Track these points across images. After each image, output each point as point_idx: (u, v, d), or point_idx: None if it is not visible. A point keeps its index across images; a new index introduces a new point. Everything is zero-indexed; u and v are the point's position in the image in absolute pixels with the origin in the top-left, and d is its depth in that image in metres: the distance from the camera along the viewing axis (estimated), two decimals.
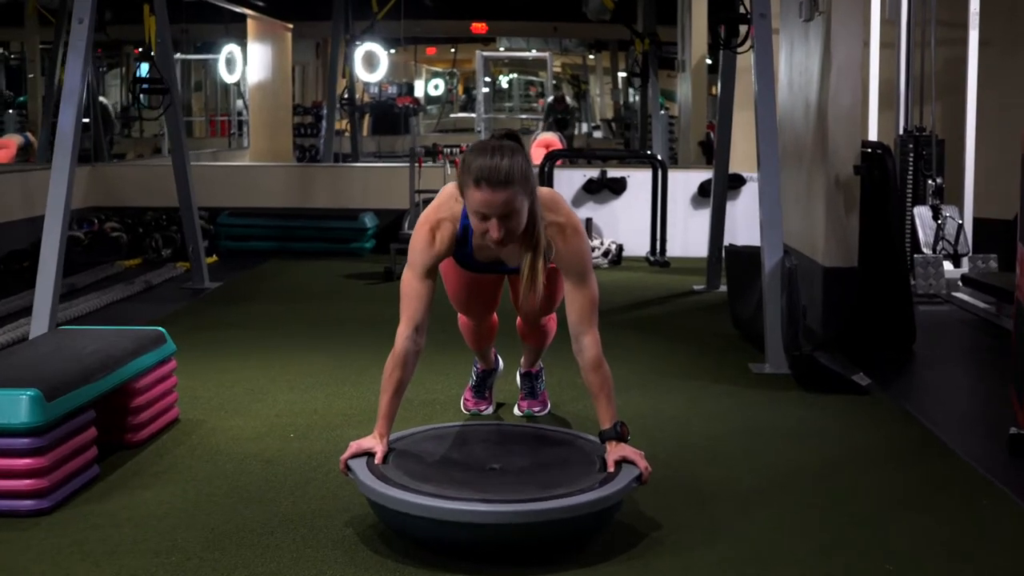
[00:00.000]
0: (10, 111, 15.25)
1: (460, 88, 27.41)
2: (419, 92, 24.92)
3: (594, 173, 9.16)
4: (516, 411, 4.38)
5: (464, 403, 4.42)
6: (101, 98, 12.55)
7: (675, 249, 8.85)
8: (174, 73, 7.24)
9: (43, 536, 3.17)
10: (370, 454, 3.19)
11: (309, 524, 3.23)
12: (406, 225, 8.37)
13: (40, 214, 5.79)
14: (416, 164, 8.55)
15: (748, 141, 6.80)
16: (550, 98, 18.68)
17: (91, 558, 3.02)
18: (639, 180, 8.99)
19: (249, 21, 13.29)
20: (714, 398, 4.71)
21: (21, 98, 15.56)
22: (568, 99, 21.18)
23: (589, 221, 8.89)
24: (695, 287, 7.51)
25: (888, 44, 7.58)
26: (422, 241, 3.27)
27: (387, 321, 5.84)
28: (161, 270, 8.01)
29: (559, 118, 17.70)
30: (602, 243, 8.70)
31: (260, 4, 13.26)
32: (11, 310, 6.43)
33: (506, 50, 22.12)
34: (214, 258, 8.78)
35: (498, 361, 4.47)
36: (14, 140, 12.11)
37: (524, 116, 21.17)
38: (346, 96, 12.44)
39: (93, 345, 3.94)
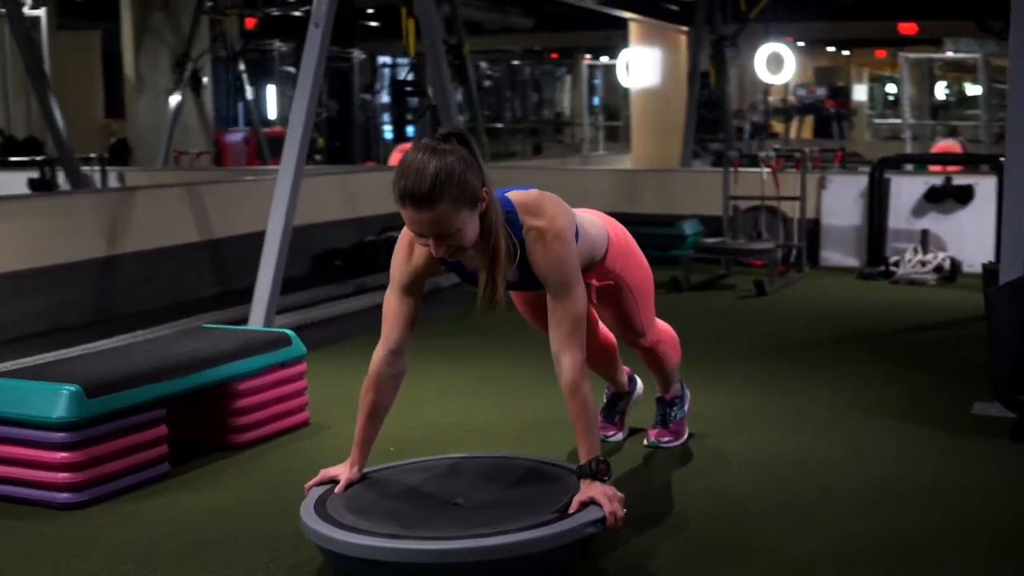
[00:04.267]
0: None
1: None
2: (861, 96, 23.83)
3: (937, 181, 8.23)
4: (644, 440, 3.96)
5: None
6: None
7: None
8: (445, 78, 7.25)
9: (64, 529, 3.24)
10: (334, 482, 2.97)
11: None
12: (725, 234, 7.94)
13: (362, 215, 6.09)
14: (732, 169, 8.08)
15: None
16: None
17: (97, 557, 3.03)
18: (988, 188, 7.96)
19: (632, 26, 13.20)
20: (897, 440, 4.01)
21: None
22: None
23: (925, 233, 7.98)
24: None
25: None
26: (399, 256, 2.98)
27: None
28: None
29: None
30: (934, 257, 7.79)
31: (671, 8, 13.08)
32: (309, 300, 6.68)
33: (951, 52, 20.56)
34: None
35: (634, 383, 4.07)
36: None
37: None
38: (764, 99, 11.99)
39: (201, 345, 3.99)
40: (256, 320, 5.41)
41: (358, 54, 17.38)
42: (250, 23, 15.15)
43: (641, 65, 13.48)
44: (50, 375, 3.51)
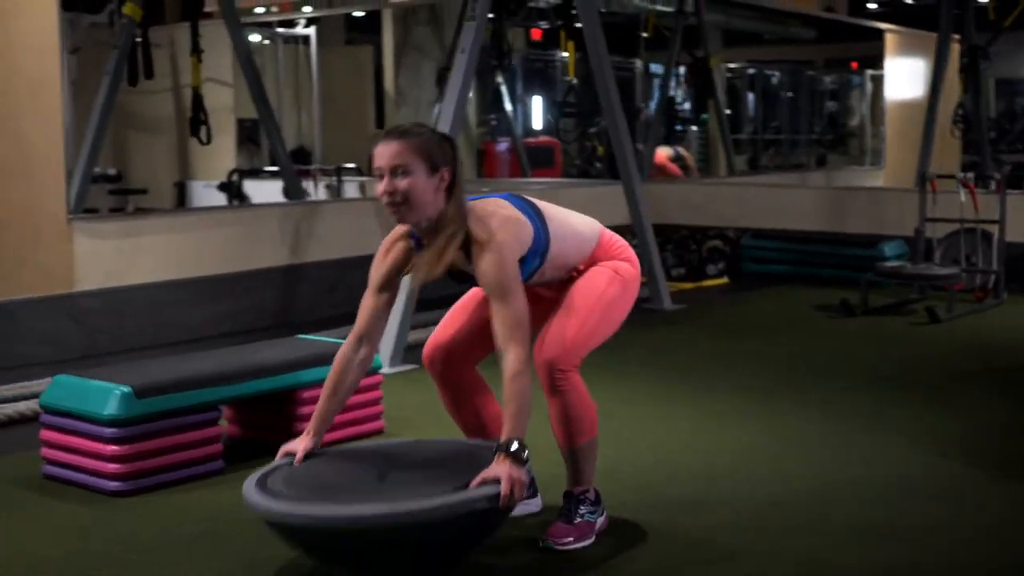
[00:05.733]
0: (693, 127, 16.19)
1: None
2: None
3: None
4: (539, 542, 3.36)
5: None
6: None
7: None
8: (613, 95, 7.35)
9: (111, 514, 3.67)
10: (292, 455, 3.24)
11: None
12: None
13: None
14: (929, 189, 7.77)
15: None
16: None
17: (132, 541, 3.43)
18: None
19: (887, 36, 12.79)
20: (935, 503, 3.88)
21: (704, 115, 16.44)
22: None
23: None
24: None
25: None
26: (377, 259, 3.30)
27: (774, 369, 5.76)
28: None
29: None
30: None
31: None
32: None
33: None
34: (723, 279, 8.75)
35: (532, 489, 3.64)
36: (664, 152, 12.96)
37: None
38: None
39: (274, 354, 4.35)
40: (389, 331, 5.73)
41: (640, 64, 17.57)
42: (536, 34, 15.66)
43: (898, 76, 13.04)
44: (111, 376, 3.94)
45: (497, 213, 3.18)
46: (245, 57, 7.92)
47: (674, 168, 13.01)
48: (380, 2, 12.29)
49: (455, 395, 3.50)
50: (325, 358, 4.33)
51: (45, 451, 3.98)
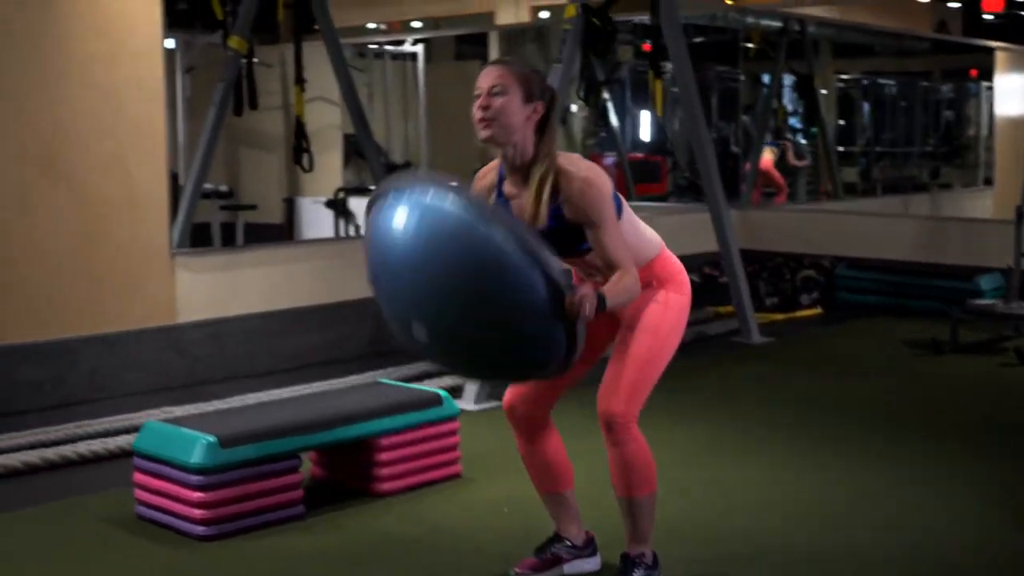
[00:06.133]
0: (802, 140, 16.03)
1: None
2: None
3: None
4: None
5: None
6: None
7: None
8: (700, 121, 7.43)
9: (195, 556, 3.90)
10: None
11: None
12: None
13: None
14: None
15: None
16: None
17: None
18: None
19: (998, 54, 12.57)
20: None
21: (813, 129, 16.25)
22: None
23: None
24: None
25: None
26: (474, 183, 3.46)
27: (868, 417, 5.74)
28: (730, 320, 8.11)
29: None
30: None
31: None
32: None
33: None
34: (816, 310, 8.74)
35: (592, 550, 3.72)
36: (768, 157, 12.98)
37: None
38: None
39: (354, 401, 4.55)
40: None
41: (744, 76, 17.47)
42: (648, 46, 15.71)
43: (1010, 94, 12.82)
44: (198, 425, 4.18)
45: (585, 160, 3.30)
46: (344, 77, 8.16)
47: (778, 177, 13.01)
48: (487, 25, 12.47)
49: (531, 441, 3.57)
50: (401, 407, 4.54)
51: (138, 492, 4.23)
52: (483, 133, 3.24)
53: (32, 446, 5.02)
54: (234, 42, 7.71)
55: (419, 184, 3.11)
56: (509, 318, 3.07)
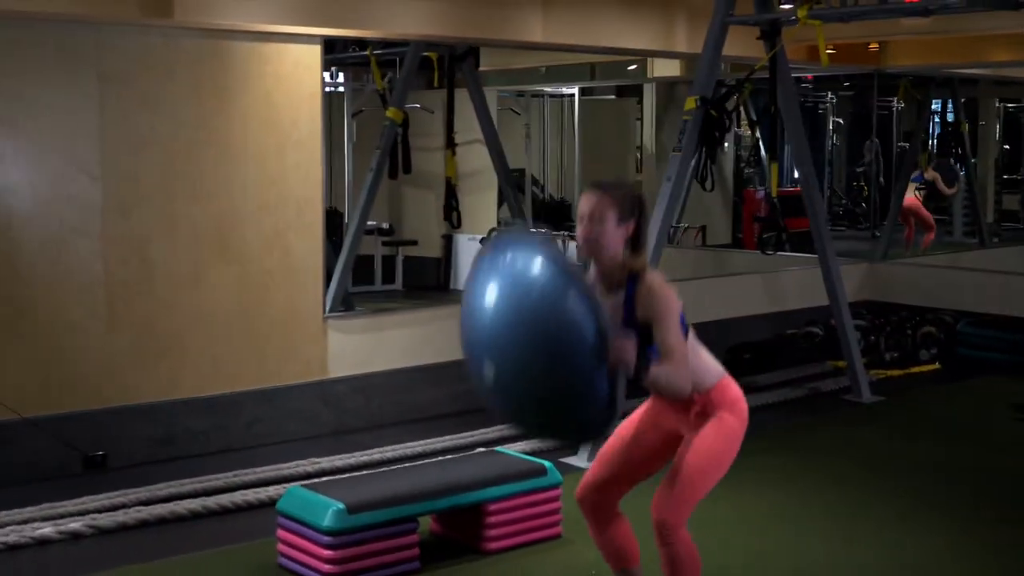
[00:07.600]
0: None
1: None
2: None
3: None
4: None
5: None
6: None
7: None
8: (808, 168, 7.99)
9: None
10: None
11: None
12: None
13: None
14: None
15: None
16: None
17: None
18: None
19: None
20: None
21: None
22: None
23: None
24: None
25: None
26: None
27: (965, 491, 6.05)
28: (843, 377, 8.29)
29: None
30: None
31: None
32: None
33: None
34: (935, 365, 9.00)
35: None
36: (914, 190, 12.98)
37: None
38: None
39: (468, 471, 5.23)
40: None
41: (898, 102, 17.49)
42: (807, 76, 16.01)
43: None
44: (331, 491, 4.92)
45: (664, 282, 3.79)
46: (488, 129, 8.97)
47: (927, 215, 12.99)
48: (641, 78, 13.04)
49: (600, 526, 4.09)
50: (509, 477, 5.20)
51: (280, 546, 5.00)
52: (584, 252, 3.82)
53: (195, 494, 5.86)
54: (391, 113, 8.52)
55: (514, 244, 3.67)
56: (563, 354, 3.52)
